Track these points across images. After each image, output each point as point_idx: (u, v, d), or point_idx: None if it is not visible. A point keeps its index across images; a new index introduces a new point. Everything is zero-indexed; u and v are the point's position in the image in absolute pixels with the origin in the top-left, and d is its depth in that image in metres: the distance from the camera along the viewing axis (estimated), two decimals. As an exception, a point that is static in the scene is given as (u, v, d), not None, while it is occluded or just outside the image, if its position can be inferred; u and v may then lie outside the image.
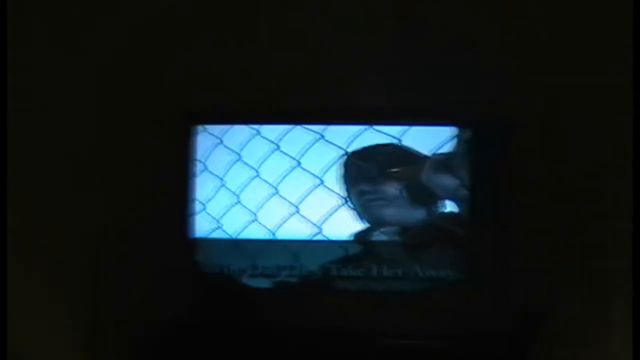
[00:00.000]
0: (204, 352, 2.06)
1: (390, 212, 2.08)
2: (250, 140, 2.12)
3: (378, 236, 2.09)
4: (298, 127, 2.10)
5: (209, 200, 2.14)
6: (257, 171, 2.12)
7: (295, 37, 2.26)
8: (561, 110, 2.23)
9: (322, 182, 2.09)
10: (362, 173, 2.08)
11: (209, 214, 2.14)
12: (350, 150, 2.08)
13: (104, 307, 2.31)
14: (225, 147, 2.13)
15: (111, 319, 2.29)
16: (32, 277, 2.23)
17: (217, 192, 2.14)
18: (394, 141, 2.07)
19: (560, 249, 2.24)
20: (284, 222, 2.10)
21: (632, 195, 2.09)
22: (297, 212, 2.10)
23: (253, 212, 2.12)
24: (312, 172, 2.09)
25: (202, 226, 2.14)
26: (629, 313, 2.20)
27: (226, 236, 2.13)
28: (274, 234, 2.11)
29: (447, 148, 2.07)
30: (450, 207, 2.07)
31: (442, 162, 2.07)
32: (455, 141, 2.07)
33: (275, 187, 2.11)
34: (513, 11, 2.23)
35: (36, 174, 2.26)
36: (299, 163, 2.10)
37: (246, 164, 2.12)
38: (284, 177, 2.10)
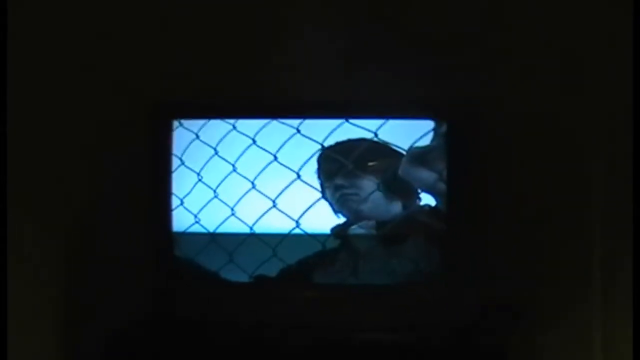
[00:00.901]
0: (180, 347, 2.07)
1: (367, 206, 2.09)
2: (226, 135, 2.12)
3: (355, 230, 2.09)
4: (274, 121, 2.09)
5: (187, 195, 2.14)
6: (234, 166, 2.11)
7: (271, 31, 2.26)
8: (539, 103, 2.23)
9: (299, 177, 2.09)
10: (338, 167, 2.08)
11: (186, 208, 2.14)
12: (326, 144, 2.08)
13: (79, 303, 2.32)
14: (202, 142, 2.13)
15: (87, 315, 2.30)
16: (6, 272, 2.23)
17: (194, 186, 2.14)
18: (371, 135, 2.07)
19: (538, 241, 2.25)
20: (262, 216, 2.10)
21: (632, 195, 2.10)
22: (275, 206, 2.10)
23: (230, 207, 2.12)
24: (289, 166, 2.09)
25: (180, 221, 2.14)
26: (607, 305, 2.21)
27: (204, 231, 2.13)
28: (251, 229, 2.11)
29: (423, 141, 2.06)
30: (427, 200, 2.07)
31: (418, 156, 2.06)
32: (432, 134, 2.06)
33: (252, 182, 2.11)
34: (492, 3, 2.23)
35: (17, 168, 2.26)
36: (276, 157, 2.09)
37: (223, 158, 2.12)
38: (261, 171, 2.10)
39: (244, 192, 2.11)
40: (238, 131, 2.11)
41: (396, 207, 2.08)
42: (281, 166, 2.09)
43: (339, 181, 2.08)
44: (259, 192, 2.10)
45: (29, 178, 2.25)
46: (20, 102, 2.22)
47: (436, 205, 2.07)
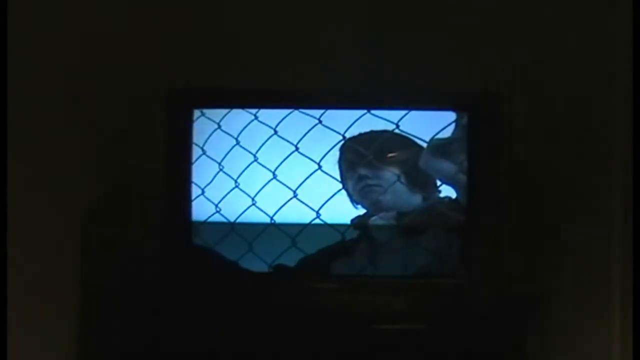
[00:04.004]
0: (197, 336, 2.08)
1: (387, 198, 2.09)
2: (248, 125, 2.12)
3: (375, 221, 2.09)
4: (296, 111, 2.10)
5: (208, 184, 2.14)
6: (255, 156, 2.12)
7: (294, 21, 2.26)
8: (561, 95, 2.24)
9: (320, 167, 2.09)
10: (360, 158, 2.09)
11: (207, 198, 2.14)
12: (347, 135, 2.08)
13: (99, 291, 2.33)
14: (224, 131, 2.13)
15: (107, 304, 2.31)
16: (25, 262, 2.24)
17: (215, 176, 2.14)
18: (392, 126, 2.07)
19: (556, 234, 2.26)
20: (282, 206, 2.11)
21: (632, 196, 2.10)
22: (295, 196, 2.10)
23: (251, 197, 2.12)
24: (311, 157, 2.09)
25: (201, 210, 2.14)
26: (627, 301, 2.22)
27: (224, 220, 2.13)
28: (272, 218, 2.11)
29: (445, 133, 2.07)
30: (447, 192, 2.08)
31: (440, 148, 2.07)
32: (453, 126, 2.06)
33: (273, 172, 2.11)
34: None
35: (31, 161, 2.27)
36: (297, 148, 2.10)
37: (244, 148, 2.12)
38: (282, 161, 2.11)
39: (265, 182, 2.11)
40: (260, 121, 2.11)
41: (416, 199, 2.09)
42: (302, 156, 2.09)
43: (361, 172, 2.09)
44: (280, 182, 2.11)
45: (45, 165, 2.26)
46: (38, 89, 2.23)
47: (456, 197, 2.07)
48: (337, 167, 2.09)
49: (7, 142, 2.12)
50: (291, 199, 2.10)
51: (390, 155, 2.08)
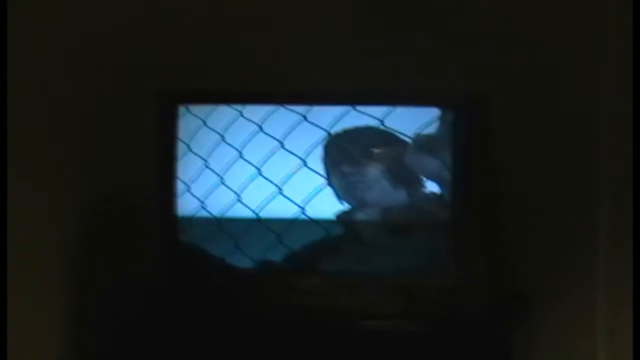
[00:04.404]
0: (186, 332, 2.08)
1: (372, 194, 2.10)
2: (233, 121, 2.13)
3: (360, 217, 2.10)
4: (281, 108, 2.10)
5: (193, 181, 2.15)
6: (240, 152, 2.12)
7: (279, 18, 2.27)
8: (545, 93, 2.25)
9: (305, 164, 2.10)
10: (344, 155, 2.09)
11: (192, 194, 2.15)
12: (332, 131, 2.09)
13: (85, 289, 2.33)
14: (209, 128, 2.14)
15: (92, 303, 2.31)
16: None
17: (201, 173, 2.15)
18: (377, 123, 2.07)
19: (542, 231, 2.26)
20: (268, 202, 2.11)
21: (632, 196, 2.11)
22: (281, 192, 2.11)
23: (236, 193, 2.13)
24: (296, 153, 2.10)
25: (186, 206, 2.15)
26: (613, 297, 2.22)
27: (210, 216, 2.14)
28: (257, 215, 2.12)
29: (429, 130, 2.07)
30: (432, 188, 2.08)
31: (424, 144, 2.07)
32: (438, 123, 2.07)
33: (258, 168, 2.12)
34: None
35: (18, 157, 2.27)
36: (282, 144, 2.10)
37: (229, 145, 2.13)
38: (267, 158, 2.11)
39: (250, 178, 2.12)
40: (245, 117, 2.12)
41: (401, 195, 2.09)
42: (287, 153, 2.10)
43: (345, 168, 2.09)
44: (265, 178, 2.11)
45: (30, 168, 2.26)
46: (21, 91, 2.23)
47: (441, 193, 2.08)
48: (321, 163, 2.10)
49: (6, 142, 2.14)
50: (276, 195, 2.11)
51: (374, 151, 2.09)
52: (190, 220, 2.14)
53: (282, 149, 2.10)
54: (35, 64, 2.25)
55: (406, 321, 2.04)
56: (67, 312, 2.32)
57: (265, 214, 2.12)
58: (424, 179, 2.08)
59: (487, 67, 2.22)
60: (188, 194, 2.15)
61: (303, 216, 2.10)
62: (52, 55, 2.28)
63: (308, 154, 2.10)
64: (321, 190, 2.10)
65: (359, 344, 2.05)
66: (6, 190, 2.08)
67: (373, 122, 2.08)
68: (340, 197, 2.10)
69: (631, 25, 2.15)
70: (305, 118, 2.09)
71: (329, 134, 2.09)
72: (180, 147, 2.14)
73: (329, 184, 2.10)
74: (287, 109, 2.10)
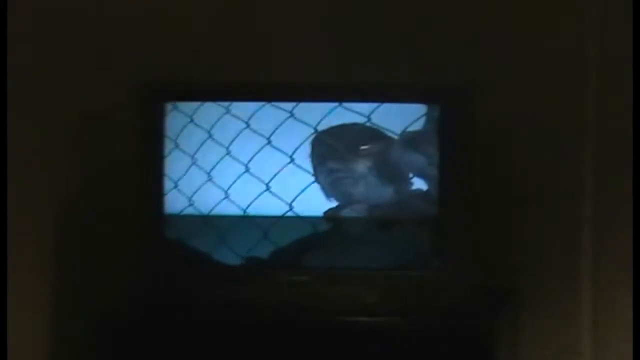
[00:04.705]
0: (168, 328, 2.09)
1: (359, 190, 2.10)
2: (220, 118, 2.13)
3: (347, 213, 2.11)
4: (268, 105, 2.11)
5: (180, 178, 2.15)
6: (227, 149, 2.13)
7: (264, 14, 2.27)
8: (531, 88, 2.26)
9: (292, 160, 2.10)
10: (331, 151, 2.10)
11: (180, 191, 2.15)
12: (319, 128, 2.09)
13: (69, 286, 2.33)
14: (196, 125, 2.14)
15: (77, 299, 2.31)
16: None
17: (188, 170, 2.15)
18: (364, 119, 2.08)
19: (528, 226, 2.28)
20: (255, 199, 2.12)
21: (632, 195, 2.13)
22: (268, 189, 2.11)
23: (224, 190, 2.13)
24: (283, 150, 2.10)
25: (174, 204, 2.15)
26: (597, 290, 2.24)
27: (197, 213, 2.14)
28: (244, 211, 2.12)
29: (416, 126, 2.08)
30: (419, 185, 2.09)
31: (410, 140, 2.08)
32: (424, 119, 2.08)
33: (245, 165, 2.12)
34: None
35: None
36: (269, 141, 2.11)
37: (217, 141, 2.13)
38: (255, 154, 2.12)
39: (238, 175, 2.12)
40: (232, 114, 2.12)
41: (388, 191, 2.10)
42: (275, 150, 2.10)
43: (331, 165, 2.10)
44: (253, 175, 2.12)
45: (18, 164, 2.26)
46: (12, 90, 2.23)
47: (427, 190, 2.09)
48: (309, 160, 2.10)
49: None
50: (264, 191, 2.11)
51: (361, 148, 2.09)
52: (177, 217, 2.15)
53: (269, 146, 2.10)
54: (27, 63, 2.26)
55: (391, 316, 2.05)
56: (51, 309, 2.32)
57: (252, 210, 2.12)
58: (411, 175, 2.09)
59: (472, 63, 2.23)
60: (175, 191, 2.15)
61: (290, 213, 2.10)
62: (40, 53, 2.28)
63: (295, 151, 2.10)
64: (309, 186, 2.10)
65: (344, 339, 2.06)
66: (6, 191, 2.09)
67: (360, 119, 2.08)
68: (327, 193, 2.11)
69: (621, 16, 2.17)
70: (292, 114, 2.10)
71: (316, 130, 2.09)
72: (168, 144, 2.14)
73: (316, 181, 2.11)
74: (274, 105, 2.10)
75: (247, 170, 2.12)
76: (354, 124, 2.09)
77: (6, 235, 2.10)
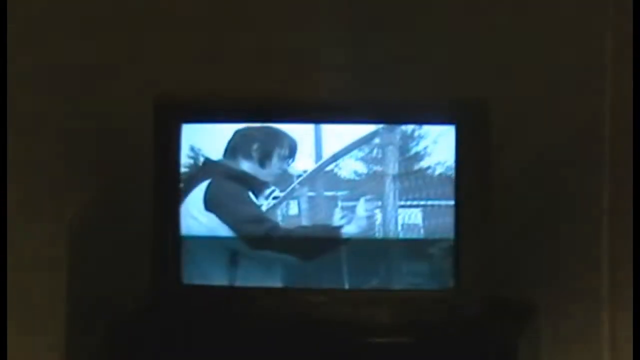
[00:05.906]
0: (186, 336, 2.08)
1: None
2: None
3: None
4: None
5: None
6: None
7: (278, 29, 2.27)
8: (546, 105, 2.25)
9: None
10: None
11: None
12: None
13: (86, 291, 2.34)
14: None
15: (94, 303, 2.31)
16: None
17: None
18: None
19: (544, 239, 2.27)
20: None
21: (632, 196, 2.11)
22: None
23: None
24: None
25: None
26: (614, 304, 2.23)
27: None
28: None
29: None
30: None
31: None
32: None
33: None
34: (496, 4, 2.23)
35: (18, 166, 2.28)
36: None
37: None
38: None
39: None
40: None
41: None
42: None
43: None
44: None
45: (30, 176, 2.27)
46: (21, 101, 2.23)
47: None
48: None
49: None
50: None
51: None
52: (192, 238, 2.13)
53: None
54: (35, 72, 2.26)
55: (409, 335, 2.04)
56: (62, 315, 2.34)
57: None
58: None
59: (487, 80, 2.23)
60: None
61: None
62: (52, 63, 2.29)
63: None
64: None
65: (358, 358, 2.04)
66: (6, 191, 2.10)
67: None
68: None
69: (631, 22, 2.15)
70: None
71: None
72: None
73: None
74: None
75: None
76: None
77: (6, 235, 2.10)
